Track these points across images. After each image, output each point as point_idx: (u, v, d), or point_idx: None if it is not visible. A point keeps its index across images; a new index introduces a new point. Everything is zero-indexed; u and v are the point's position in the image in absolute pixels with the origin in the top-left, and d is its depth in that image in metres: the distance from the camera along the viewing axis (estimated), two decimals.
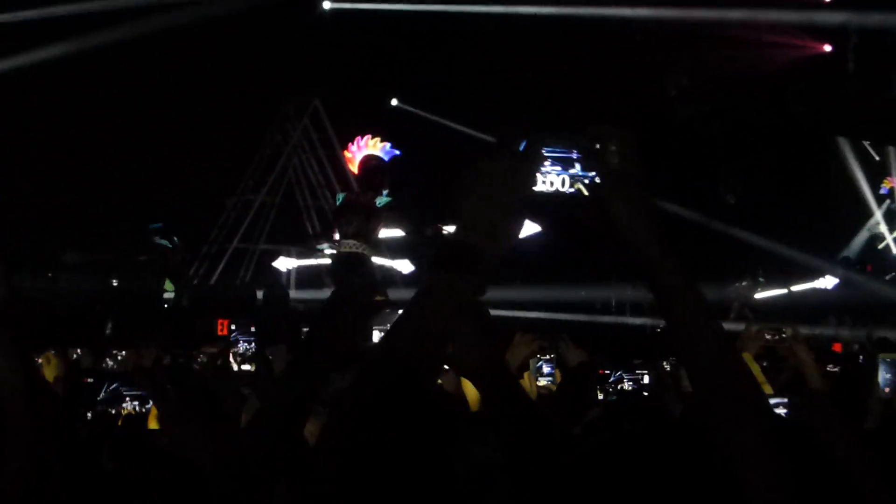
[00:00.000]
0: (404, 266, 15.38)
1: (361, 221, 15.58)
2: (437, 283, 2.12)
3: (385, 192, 16.06)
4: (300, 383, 2.57)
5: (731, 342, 2.13)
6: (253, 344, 9.44)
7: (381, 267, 15.03)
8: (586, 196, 2.20)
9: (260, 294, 20.47)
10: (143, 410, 4.14)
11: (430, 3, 22.36)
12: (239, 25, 21.98)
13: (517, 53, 22.56)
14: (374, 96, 26.16)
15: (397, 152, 16.46)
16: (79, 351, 9.71)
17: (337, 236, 15.89)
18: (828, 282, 21.64)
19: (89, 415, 4.20)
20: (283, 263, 19.27)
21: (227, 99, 23.44)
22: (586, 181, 2.22)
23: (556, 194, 2.22)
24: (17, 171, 21.10)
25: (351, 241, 15.32)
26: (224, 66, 23.04)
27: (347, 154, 16.66)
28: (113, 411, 4.34)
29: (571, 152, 2.25)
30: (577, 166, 2.23)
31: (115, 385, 4.22)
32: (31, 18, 20.37)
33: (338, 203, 16.11)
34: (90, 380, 4.41)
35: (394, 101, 26.99)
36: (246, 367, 8.27)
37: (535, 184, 2.20)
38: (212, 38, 22.10)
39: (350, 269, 15.06)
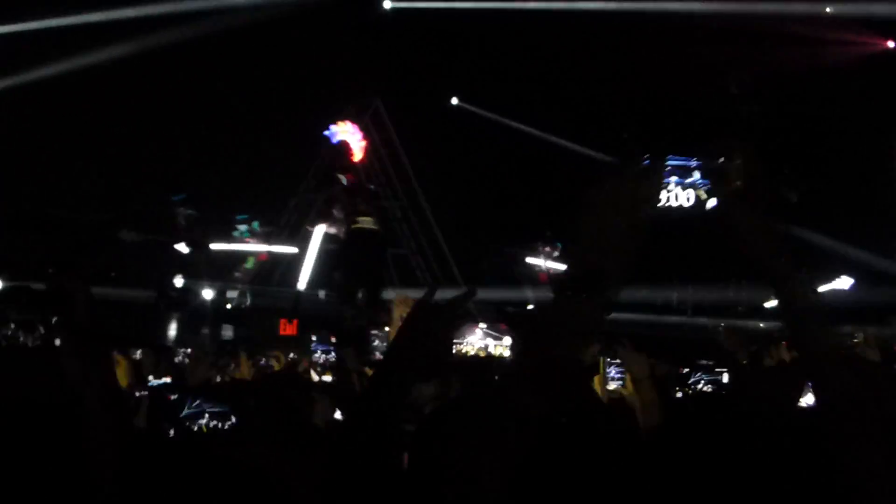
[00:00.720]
0: None
1: (372, 203, 16.40)
2: (565, 303, 2.10)
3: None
4: (386, 393, 2.57)
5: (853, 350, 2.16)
6: (332, 354, 9.45)
7: None
8: (705, 202, 2.19)
9: (322, 294, 20.63)
10: (224, 426, 4.11)
11: (490, 1, 22.30)
12: (302, 26, 22.04)
13: (577, 50, 22.45)
14: (435, 95, 26.15)
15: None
16: (139, 353, 9.73)
17: (337, 214, 16.40)
18: (844, 283, 21.42)
19: (171, 431, 4.18)
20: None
21: (289, 99, 23.52)
22: (705, 189, 2.21)
23: (679, 209, 2.20)
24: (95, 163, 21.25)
25: (367, 219, 15.98)
26: (286, 67, 23.12)
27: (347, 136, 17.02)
28: (195, 427, 4.33)
29: (690, 160, 2.24)
30: (696, 174, 2.22)
31: (197, 401, 4.19)
32: (116, 19, 20.79)
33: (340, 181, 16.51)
34: (173, 396, 4.39)
35: (454, 101, 26.94)
36: (326, 377, 8.24)
37: (658, 201, 2.17)
38: (275, 38, 22.21)
39: (372, 242, 15.79)
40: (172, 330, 16.48)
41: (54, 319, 2.65)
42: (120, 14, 21.16)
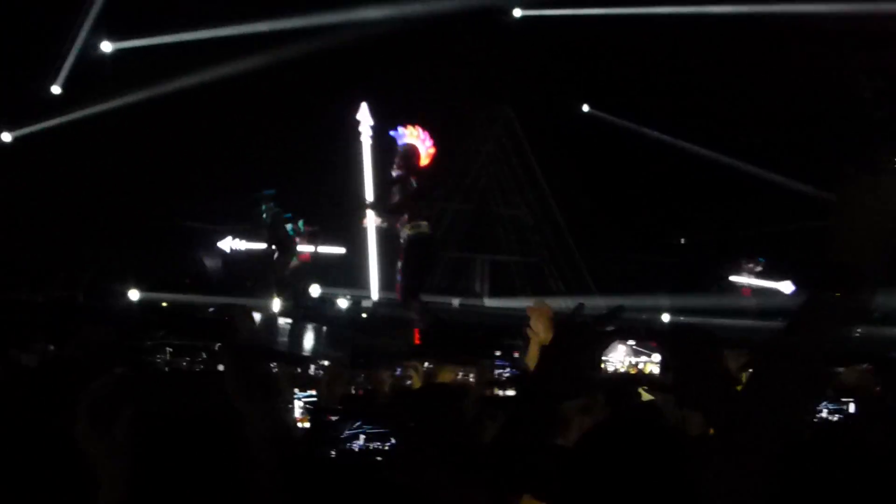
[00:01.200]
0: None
1: (433, 209, 16.61)
2: (824, 303, 2.07)
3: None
4: (535, 411, 2.61)
5: None
6: (510, 369, 9.42)
7: None
8: None
9: (456, 302, 20.68)
10: (384, 447, 4.16)
11: (620, 7, 22.16)
12: (432, 35, 22.17)
13: (708, 56, 22.23)
14: (566, 103, 26.10)
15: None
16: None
17: (405, 216, 16.43)
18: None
19: (333, 453, 4.24)
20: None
21: (421, 108, 23.66)
22: None
23: None
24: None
25: (425, 223, 16.07)
26: (417, 76, 23.25)
27: (416, 142, 17.00)
28: (356, 448, 4.39)
29: None
30: None
31: (358, 423, 4.25)
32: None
33: (395, 176, 16.52)
34: (335, 417, 4.46)
35: (585, 108, 26.85)
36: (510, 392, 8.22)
37: None
38: (406, 47, 22.38)
39: (429, 247, 15.97)
40: (308, 341, 16.64)
41: (217, 345, 2.75)
42: (252, 28, 21.54)
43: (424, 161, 16.79)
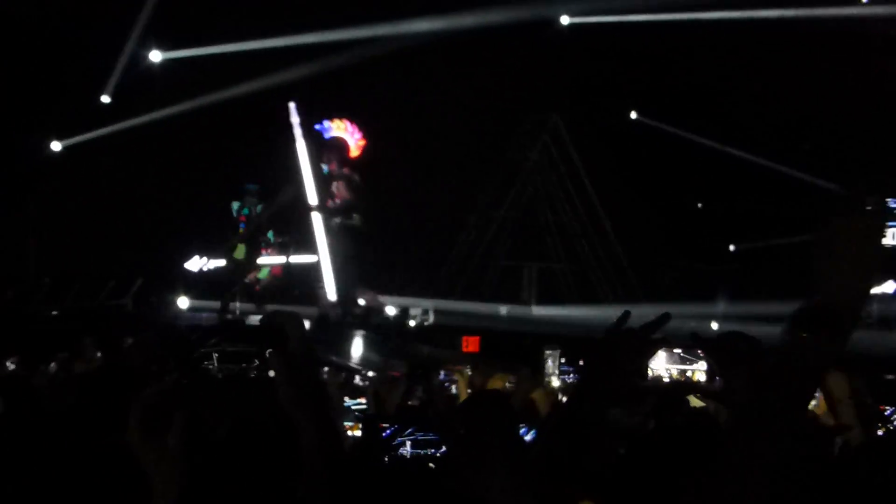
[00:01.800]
0: None
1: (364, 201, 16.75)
2: (801, 343, 2.09)
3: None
4: (582, 418, 2.61)
5: None
6: (573, 375, 9.37)
7: None
8: None
9: (504, 310, 20.67)
10: (436, 454, 4.18)
11: (666, 13, 22.07)
12: (480, 43, 22.20)
13: (757, 62, 22.12)
14: (614, 110, 26.04)
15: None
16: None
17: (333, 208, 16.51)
18: None
19: (385, 459, 4.26)
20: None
21: (467, 116, 23.71)
22: None
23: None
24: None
25: (357, 216, 16.23)
26: (463, 84, 23.30)
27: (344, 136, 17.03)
28: (407, 455, 4.41)
29: None
30: None
31: (410, 430, 4.28)
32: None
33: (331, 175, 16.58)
34: (387, 425, 4.49)
35: (633, 115, 26.76)
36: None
37: (884, 237, 2.14)
38: (453, 56, 22.42)
39: (359, 242, 16.09)
40: (356, 349, 16.67)
41: (269, 352, 2.76)
42: (300, 40, 21.64)
43: (355, 153, 16.83)
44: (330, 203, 16.41)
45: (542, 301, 24.76)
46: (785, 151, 23.84)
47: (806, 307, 2.13)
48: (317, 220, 17.83)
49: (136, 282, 18.06)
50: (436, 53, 22.18)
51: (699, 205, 25.78)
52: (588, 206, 27.57)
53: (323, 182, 16.89)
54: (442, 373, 10.03)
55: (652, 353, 2.74)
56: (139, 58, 21.73)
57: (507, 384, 8.41)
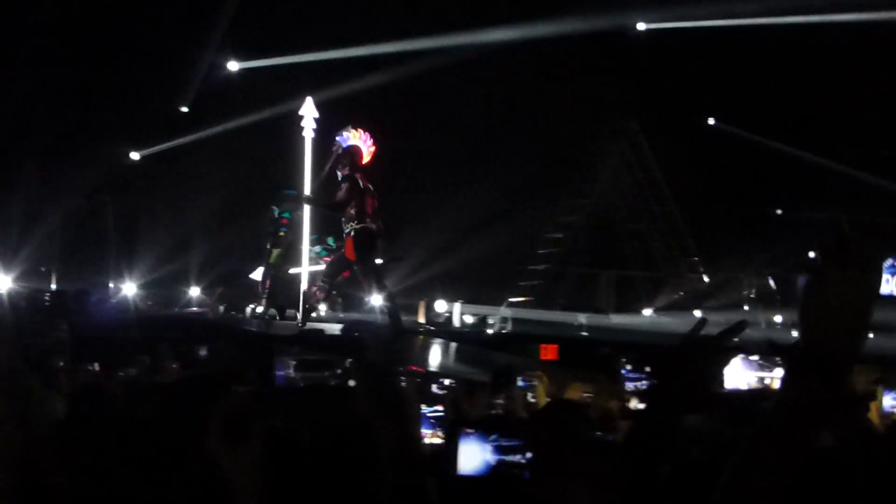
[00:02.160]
0: None
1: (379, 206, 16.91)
2: (802, 391, 2.10)
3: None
4: (657, 426, 2.60)
5: None
6: (644, 382, 9.29)
7: None
8: None
9: (582, 318, 20.56)
10: (522, 460, 4.17)
11: (743, 18, 21.84)
12: (556, 50, 22.17)
13: (840, 65, 21.86)
14: (691, 116, 25.86)
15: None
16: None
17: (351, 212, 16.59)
18: None
19: (469, 466, 4.27)
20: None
21: (544, 124, 23.70)
22: None
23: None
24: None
25: (368, 220, 16.32)
26: (541, 92, 23.30)
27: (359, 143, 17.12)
28: (492, 462, 4.40)
29: None
30: None
31: (494, 436, 4.27)
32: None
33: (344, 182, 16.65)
34: (470, 430, 4.48)
35: (710, 121, 26.55)
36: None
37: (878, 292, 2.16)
38: (530, 63, 22.43)
39: (373, 240, 16.21)
40: (434, 356, 16.65)
41: (349, 361, 2.76)
42: (380, 49, 21.76)
43: (366, 159, 16.96)
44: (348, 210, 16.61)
45: (620, 309, 24.61)
46: (866, 157, 23.54)
47: (796, 354, 2.15)
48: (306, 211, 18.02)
49: (215, 290, 18.22)
50: (513, 61, 22.19)
51: (778, 211, 25.49)
52: (666, 213, 27.41)
53: (332, 184, 17.09)
54: (521, 380, 10.01)
55: (728, 361, 2.73)
56: (216, 67, 21.95)
57: (584, 394, 8.38)
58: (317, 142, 17.57)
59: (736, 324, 2.70)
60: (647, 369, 9.98)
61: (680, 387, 2.61)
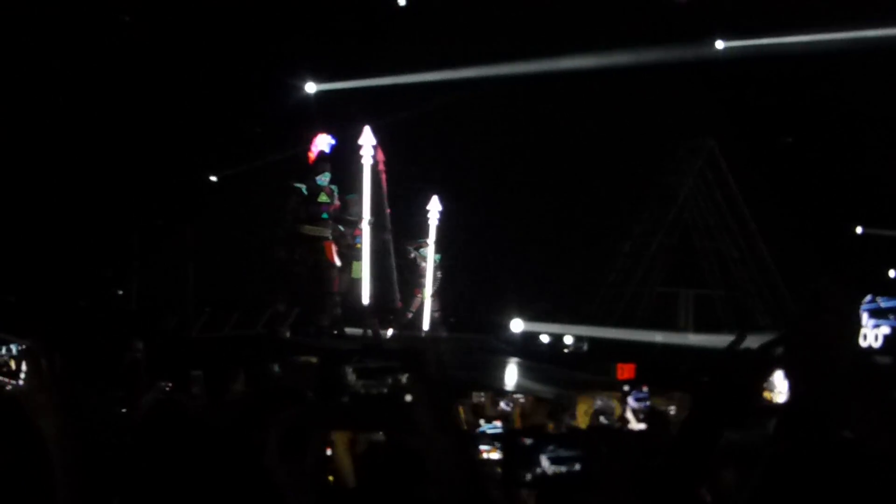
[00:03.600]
0: None
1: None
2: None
3: (326, 173, 16.91)
4: (699, 439, 2.58)
5: None
6: (647, 403, 9.33)
7: None
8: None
9: (659, 337, 20.46)
10: (580, 471, 4.16)
11: (824, 33, 21.56)
12: (633, 69, 22.11)
13: None
14: (770, 135, 25.64)
15: (335, 141, 17.25)
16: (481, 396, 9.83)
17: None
18: None
19: (528, 476, 4.27)
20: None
21: (621, 142, 23.63)
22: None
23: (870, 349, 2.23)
24: None
25: (309, 227, 16.43)
26: (618, 110, 23.24)
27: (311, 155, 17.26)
28: (549, 472, 4.39)
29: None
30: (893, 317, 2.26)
31: (552, 447, 4.27)
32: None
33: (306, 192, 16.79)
34: (528, 440, 4.49)
35: (789, 139, 26.28)
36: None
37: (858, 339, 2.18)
38: (607, 82, 22.39)
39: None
40: (510, 375, 16.67)
41: (406, 376, 2.76)
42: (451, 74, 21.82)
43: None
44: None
45: (699, 328, 24.43)
46: None
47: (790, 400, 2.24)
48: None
49: (292, 311, 18.34)
50: (590, 79, 22.16)
51: (858, 230, 25.16)
52: (745, 232, 27.18)
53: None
54: (598, 400, 10.05)
55: (769, 374, 2.70)
56: (295, 89, 22.10)
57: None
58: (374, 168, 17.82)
59: (778, 337, 2.67)
60: (644, 389, 10.05)
61: (719, 401, 2.59)
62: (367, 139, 18.03)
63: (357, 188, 18.40)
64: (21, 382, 2.60)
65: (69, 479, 2.47)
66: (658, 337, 20.89)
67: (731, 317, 25.90)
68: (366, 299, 17.61)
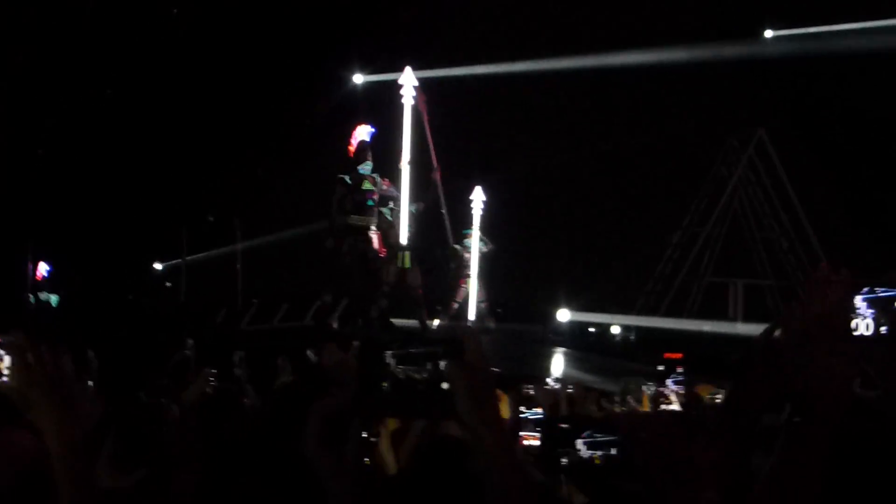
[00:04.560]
0: None
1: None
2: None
3: (368, 162, 16.72)
4: (735, 425, 2.57)
5: None
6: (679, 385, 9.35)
7: None
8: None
9: (707, 327, 20.37)
10: (619, 456, 4.19)
11: (873, 20, 21.30)
12: (683, 60, 21.99)
13: None
14: (819, 124, 25.42)
15: (374, 130, 17.05)
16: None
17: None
18: None
19: (564, 460, 4.29)
20: None
21: (672, 133, 23.52)
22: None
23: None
24: None
25: (356, 217, 16.37)
26: (669, 102, 23.16)
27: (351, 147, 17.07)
28: (586, 456, 4.42)
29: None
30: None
31: (589, 432, 4.30)
32: None
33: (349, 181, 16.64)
34: (565, 425, 4.52)
35: (839, 128, 26.04)
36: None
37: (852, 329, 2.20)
38: (657, 73, 22.28)
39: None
40: (557, 364, 16.65)
41: (446, 363, 2.76)
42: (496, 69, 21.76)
43: None
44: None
45: (749, 318, 24.29)
46: None
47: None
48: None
49: (340, 303, 18.38)
50: (642, 70, 22.06)
51: None
52: (795, 222, 27.01)
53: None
54: (645, 387, 10.10)
55: (777, 357, 2.69)
56: (341, 80, 22.11)
57: (708, 396, 8.35)
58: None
59: (774, 322, 2.66)
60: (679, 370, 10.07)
61: (754, 387, 2.58)
62: (408, 79, 17.89)
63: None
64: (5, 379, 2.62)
65: (66, 469, 2.49)
66: (706, 327, 20.78)
67: (780, 306, 25.76)
68: (403, 237, 17.44)
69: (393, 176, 17.04)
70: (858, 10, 20.88)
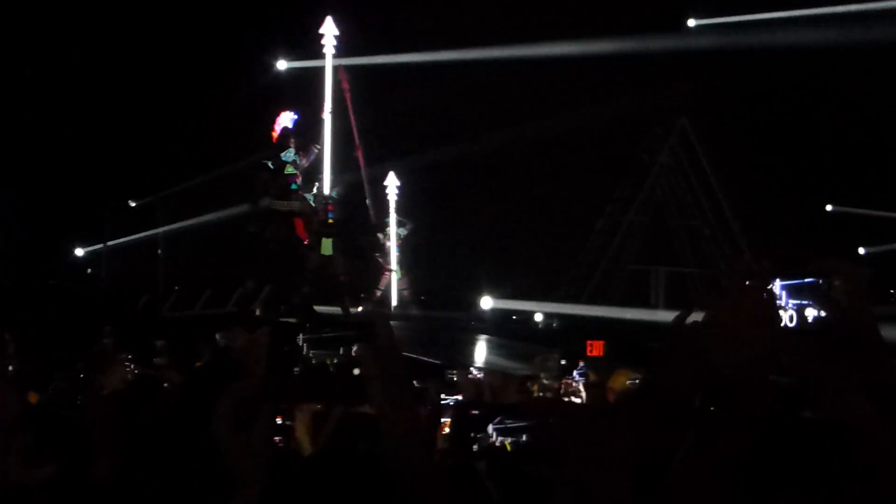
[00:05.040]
0: None
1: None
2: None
3: (290, 149, 16.76)
4: (651, 409, 2.58)
5: None
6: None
7: None
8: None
9: (629, 314, 20.47)
10: (531, 441, 4.20)
11: (795, 9, 21.47)
12: (606, 49, 22.09)
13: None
14: (742, 113, 25.66)
15: (297, 117, 17.06)
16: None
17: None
18: None
19: (475, 447, 4.29)
20: None
21: (595, 121, 23.61)
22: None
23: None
24: None
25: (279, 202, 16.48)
26: (592, 90, 23.26)
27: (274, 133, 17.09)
28: (497, 443, 4.44)
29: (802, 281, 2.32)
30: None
31: (500, 418, 4.32)
32: None
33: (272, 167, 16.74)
34: (475, 412, 4.54)
35: (760, 115, 26.31)
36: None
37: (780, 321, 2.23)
38: (582, 62, 22.34)
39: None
40: (480, 351, 16.67)
41: (356, 347, 2.75)
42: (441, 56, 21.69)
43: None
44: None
45: (671, 305, 24.49)
46: None
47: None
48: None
49: (263, 289, 18.26)
50: (566, 59, 22.11)
51: (829, 207, 25.19)
52: (717, 209, 27.27)
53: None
54: (576, 372, 10.15)
55: (688, 345, 2.71)
56: (265, 66, 21.92)
57: (628, 382, 8.41)
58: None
59: (685, 310, 2.67)
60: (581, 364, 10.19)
61: (670, 373, 2.58)
62: (329, 28, 17.58)
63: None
64: None
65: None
66: (629, 314, 20.91)
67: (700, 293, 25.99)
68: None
69: (315, 132, 17.01)
70: (781, 1, 21.06)
